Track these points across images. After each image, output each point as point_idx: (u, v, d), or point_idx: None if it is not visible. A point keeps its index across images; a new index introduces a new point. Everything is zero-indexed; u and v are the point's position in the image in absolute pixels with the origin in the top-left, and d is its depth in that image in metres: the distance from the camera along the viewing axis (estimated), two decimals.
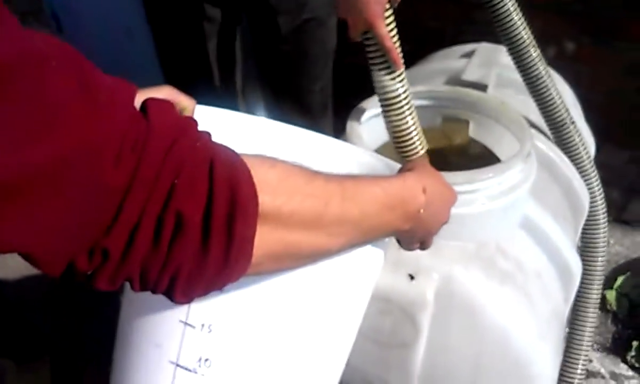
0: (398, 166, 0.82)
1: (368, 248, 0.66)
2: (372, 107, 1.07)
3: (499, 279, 0.90)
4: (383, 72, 0.92)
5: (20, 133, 0.37)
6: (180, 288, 0.48)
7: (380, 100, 0.95)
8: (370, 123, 1.06)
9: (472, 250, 0.91)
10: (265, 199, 0.49)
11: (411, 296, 0.88)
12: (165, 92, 0.71)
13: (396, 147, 0.98)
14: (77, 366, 1.49)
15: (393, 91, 0.93)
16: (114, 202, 0.43)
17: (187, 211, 0.45)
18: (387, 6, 0.88)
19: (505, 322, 0.88)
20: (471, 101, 1.10)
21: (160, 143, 0.45)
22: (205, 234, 0.46)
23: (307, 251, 0.56)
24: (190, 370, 0.62)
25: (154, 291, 0.49)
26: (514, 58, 1.11)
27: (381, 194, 0.60)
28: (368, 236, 0.62)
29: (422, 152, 0.98)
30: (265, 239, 0.50)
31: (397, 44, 0.91)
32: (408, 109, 0.95)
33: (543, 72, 1.10)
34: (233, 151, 0.50)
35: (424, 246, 0.71)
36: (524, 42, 1.07)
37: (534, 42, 1.09)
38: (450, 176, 0.86)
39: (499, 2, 1.04)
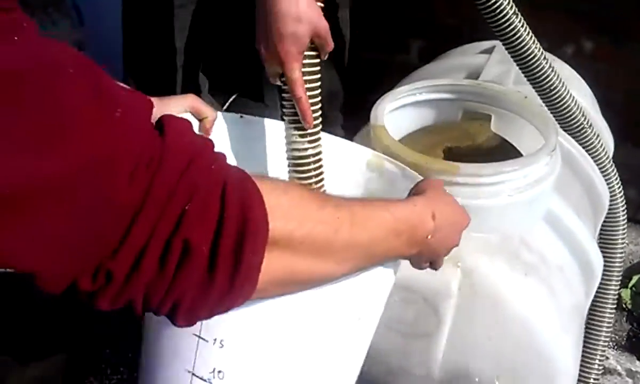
0: (413, 173, 0.81)
1: (379, 268, 0.66)
2: (396, 99, 1.07)
3: (523, 272, 0.90)
4: (292, 126, 0.80)
5: (34, 141, 0.36)
6: (183, 313, 0.48)
7: (287, 157, 0.83)
8: (394, 114, 1.06)
9: (497, 242, 0.91)
10: (277, 225, 0.48)
11: (435, 286, 0.88)
12: (189, 101, 0.72)
13: None
14: (87, 364, 1.49)
15: (300, 150, 0.81)
16: (124, 220, 0.42)
17: (196, 240, 0.44)
18: (311, 53, 0.78)
19: (528, 314, 0.88)
20: (492, 94, 1.10)
21: (175, 163, 0.44)
22: (212, 262, 0.46)
23: (313, 278, 0.56)
24: (205, 380, 0.64)
25: (156, 314, 0.49)
26: (521, 67, 1.02)
27: (390, 219, 0.59)
28: (373, 260, 0.61)
29: None
30: (273, 265, 0.49)
31: (316, 101, 0.80)
32: (315, 175, 0.82)
33: (555, 80, 1.02)
34: (246, 175, 0.49)
35: (433, 266, 0.71)
36: (529, 48, 0.98)
37: (539, 46, 1.00)
38: (477, 168, 0.86)
39: (493, 2, 0.95)
